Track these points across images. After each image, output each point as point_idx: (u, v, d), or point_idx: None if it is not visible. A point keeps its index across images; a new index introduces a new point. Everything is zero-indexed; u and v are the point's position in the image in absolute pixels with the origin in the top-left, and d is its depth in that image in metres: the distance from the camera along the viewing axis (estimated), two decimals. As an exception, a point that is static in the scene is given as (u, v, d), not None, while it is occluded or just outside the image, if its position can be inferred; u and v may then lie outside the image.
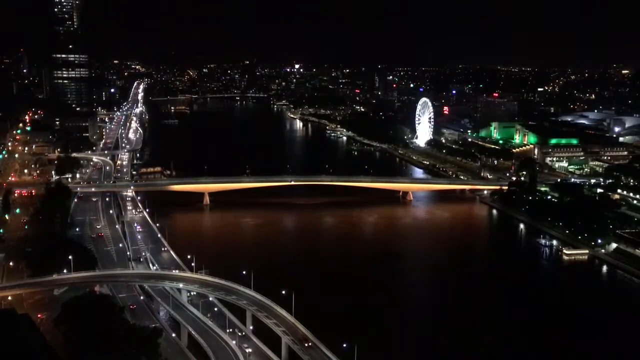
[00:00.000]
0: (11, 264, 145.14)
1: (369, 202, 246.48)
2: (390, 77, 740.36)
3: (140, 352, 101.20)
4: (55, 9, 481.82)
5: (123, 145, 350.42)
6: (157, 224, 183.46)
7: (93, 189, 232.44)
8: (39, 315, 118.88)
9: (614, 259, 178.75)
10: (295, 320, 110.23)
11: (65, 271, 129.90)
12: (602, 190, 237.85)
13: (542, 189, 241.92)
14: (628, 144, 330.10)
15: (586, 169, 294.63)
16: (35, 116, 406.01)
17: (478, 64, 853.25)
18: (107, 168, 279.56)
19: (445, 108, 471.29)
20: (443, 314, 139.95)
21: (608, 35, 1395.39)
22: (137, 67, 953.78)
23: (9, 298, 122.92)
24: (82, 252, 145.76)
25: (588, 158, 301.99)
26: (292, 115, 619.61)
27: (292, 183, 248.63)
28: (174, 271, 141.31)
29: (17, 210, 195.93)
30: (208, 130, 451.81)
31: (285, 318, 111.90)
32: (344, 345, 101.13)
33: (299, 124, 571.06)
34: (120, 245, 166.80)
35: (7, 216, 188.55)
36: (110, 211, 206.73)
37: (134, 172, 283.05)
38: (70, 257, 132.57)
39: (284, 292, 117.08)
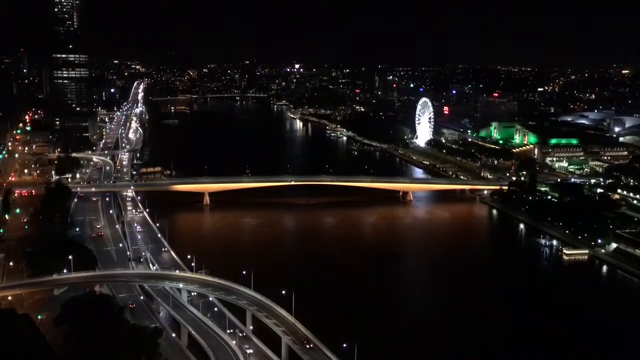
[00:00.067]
0: (11, 264, 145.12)
1: (369, 202, 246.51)
2: (390, 77, 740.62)
3: (140, 352, 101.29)
4: (55, 9, 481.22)
5: (123, 145, 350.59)
6: (157, 224, 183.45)
7: (93, 189, 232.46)
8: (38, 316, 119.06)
9: (614, 259, 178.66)
10: (295, 320, 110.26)
11: (65, 271, 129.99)
12: (602, 190, 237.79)
13: (542, 189, 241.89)
14: (628, 144, 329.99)
15: (586, 169, 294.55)
16: (35, 116, 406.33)
17: (478, 64, 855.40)
18: (107, 168, 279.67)
19: (445, 108, 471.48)
20: (443, 314, 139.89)
21: (608, 35, 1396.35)
22: (137, 67, 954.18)
23: (9, 298, 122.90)
24: (82, 252, 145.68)
25: (588, 158, 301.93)
26: (292, 115, 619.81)
27: (292, 183, 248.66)
28: (174, 271, 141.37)
29: (17, 210, 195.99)
30: (208, 130, 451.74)
31: (285, 318, 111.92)
32: (344, 345, 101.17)
33: (299, 124, 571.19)
34: (120, 245, 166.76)
35: (7, 216, 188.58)
36: (110, 211, 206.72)
37: (134, 172, 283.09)
38: (70, 257, 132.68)
39: (284, 292, 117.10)
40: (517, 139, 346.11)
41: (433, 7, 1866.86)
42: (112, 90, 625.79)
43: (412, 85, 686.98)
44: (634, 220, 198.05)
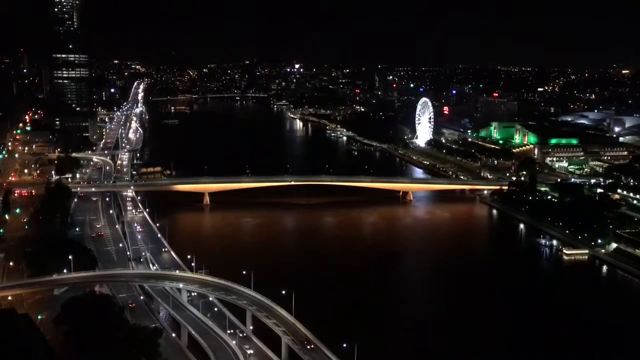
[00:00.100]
0: (11, 264, 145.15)
1: (369, 202, 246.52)
2: (390, 77, 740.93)
3: (140, 352, 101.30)
4: (55, 9, 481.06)
5: (123, 145, 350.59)
6: (157, 224, 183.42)
7: (93, 189, 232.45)
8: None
9: (614, 259, 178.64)
10: (295, 320, 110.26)
11: (65, 271, 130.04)
12: (602, 190, 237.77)
13: (542, 189, 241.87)
14: (628, 144, 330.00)
15: (586, 169, 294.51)
16: (35, 116, 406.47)
17: (478, 64, 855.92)
18: (107, 168, 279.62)
19: (445, 108, 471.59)
20: (443, 314, 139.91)
21: (608, 35, 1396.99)
22: (137, 67, 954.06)
23: (9, 298, 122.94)
24: (82, 252, 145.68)
25: (588, 158, 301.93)
26: (292, 115, 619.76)
27: (292, 183, 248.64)
28: (174, 271, 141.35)
29: (17, 210, 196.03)
30: (208, 130, 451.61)
31: (285, 318, 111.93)
32: (344, 345, 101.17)
33: (299, 124, 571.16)
34: (120, 245, 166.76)
35: (7, 216, 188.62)
36: (110, 211, 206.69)
37: (134, 172, 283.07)
38: (70, 257, 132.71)
39: (284, 292, 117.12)
40: (517, 139, 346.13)
41: (433, 7, 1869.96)
42: (112, 90, 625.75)
43: (412, 85, 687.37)
44: (634, 220, 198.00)
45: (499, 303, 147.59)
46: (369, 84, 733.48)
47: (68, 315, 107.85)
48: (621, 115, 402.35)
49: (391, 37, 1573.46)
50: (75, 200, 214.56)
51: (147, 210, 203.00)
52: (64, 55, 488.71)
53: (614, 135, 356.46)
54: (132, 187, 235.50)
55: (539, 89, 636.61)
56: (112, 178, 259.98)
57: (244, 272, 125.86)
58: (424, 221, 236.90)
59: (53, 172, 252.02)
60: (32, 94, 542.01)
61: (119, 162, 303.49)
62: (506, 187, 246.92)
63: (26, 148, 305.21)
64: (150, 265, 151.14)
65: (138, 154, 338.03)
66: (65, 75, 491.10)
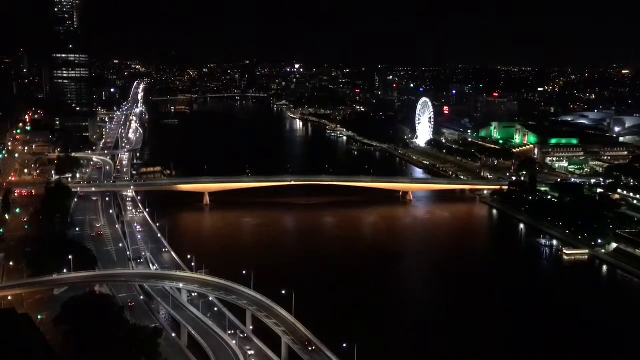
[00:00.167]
0: (11, 264, 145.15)
1: (369, 202, 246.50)
2: (390, 77, 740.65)
3: (140, 352, 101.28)
4: (55, 9, 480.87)
5: (123, 145, 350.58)
6: (157, 224, 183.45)
7: (93, 189, 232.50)
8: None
9: (614, 259, 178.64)
10: (295, 320, 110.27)
11: (65, 271, 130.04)
12: (602, 190, 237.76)
13: (542, 189, 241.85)
14: (628, 144, 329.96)
15: (586, 169, 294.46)
16: (35, 116, 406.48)
17: (478, 64, 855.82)
18: (107, 168, 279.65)
19: (445, 108, 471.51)
20: (443, 314, 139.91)
21: (608, 35, 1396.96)
22: (137, 67, 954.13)
23: (9, 298, 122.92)
24: (82, 252, 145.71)
25: (588, 158, 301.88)
26: (292, 115, 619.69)
27: (292, 183, 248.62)
28: (174, 271, 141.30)
29: (17, 210, 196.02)
30: (208, 130, 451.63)
31: (285, 318, 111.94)
32: (344, 345, 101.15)
33: (299, 124, 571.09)
34: (120, 245, 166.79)
35: (7, 216, 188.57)
36: (110, 211, 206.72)
37: (134, 172, 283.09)
38: (70, 257, 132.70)
39: (284, 292, 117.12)
40: (517, 139, 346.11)
41: (433, 7, 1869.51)
42: (112, 90, 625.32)
43: (412, 85, 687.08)
44: (634, 220, 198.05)
45: (499, 303, 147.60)
46: (369, 84, 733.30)
47: (68, 315, 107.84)
48: (621, 115, 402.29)
49: (391, 37, 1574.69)
50: (75, 200, 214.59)
51: (147, 210, 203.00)
52: (64, 55, 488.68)
53: (614, 135, 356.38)
54: (132, 187, 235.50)
55: (539, 89, 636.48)
56: (112, 178, 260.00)
57: (244, 272, 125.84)
58: (424, 221, 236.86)
59: (53, 172, 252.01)
60: (32, 93, 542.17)
61: (119, 162, 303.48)
62: (506, 187, 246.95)
63: (26, 148, 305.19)
64: (150, 265, 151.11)
65: (138, 154, 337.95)
66: (65, 75, 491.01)
